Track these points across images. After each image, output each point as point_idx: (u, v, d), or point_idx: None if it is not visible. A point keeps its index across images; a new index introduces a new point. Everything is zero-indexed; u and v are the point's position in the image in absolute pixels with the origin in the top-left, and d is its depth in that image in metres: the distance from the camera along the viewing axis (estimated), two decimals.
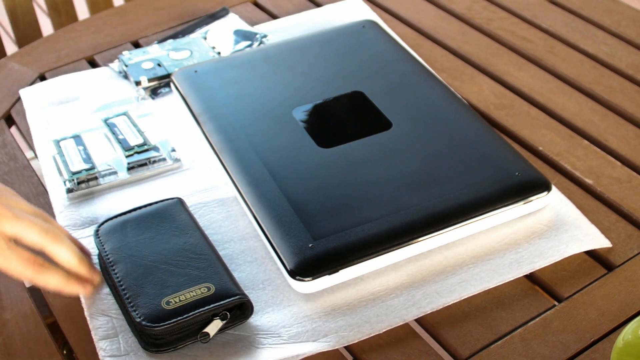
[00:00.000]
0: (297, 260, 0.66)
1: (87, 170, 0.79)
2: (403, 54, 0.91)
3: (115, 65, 0.96)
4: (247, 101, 0.83)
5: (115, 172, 0.80)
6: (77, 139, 0.84)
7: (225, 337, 0.65)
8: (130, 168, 0.80)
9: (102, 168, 0.80)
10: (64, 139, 0.84)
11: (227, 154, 0.77)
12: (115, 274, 0.67)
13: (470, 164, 0.74)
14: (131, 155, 0.81)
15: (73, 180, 0.79)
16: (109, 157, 0.82)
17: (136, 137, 0.83)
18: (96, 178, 0.79)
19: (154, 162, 0.81)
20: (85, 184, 0.79)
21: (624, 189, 0.79)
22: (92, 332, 0.65)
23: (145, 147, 0.82)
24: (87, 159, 0.81)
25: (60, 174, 0.80)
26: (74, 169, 0.79)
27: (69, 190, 0.78)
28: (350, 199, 0.71)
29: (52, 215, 0.77)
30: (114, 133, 0.84)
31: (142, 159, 0.81)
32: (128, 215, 0.72)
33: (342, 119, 0.83)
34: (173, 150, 0.82)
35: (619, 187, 0.79)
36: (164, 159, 0.81)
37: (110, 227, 0.71)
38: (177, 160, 0.82)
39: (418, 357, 0.64)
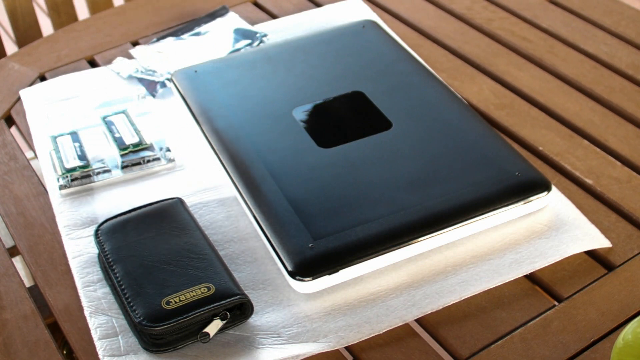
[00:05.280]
0: (297, 260, 0.66)
1: (81, 167, 0.79)
2: (403, 54, 0.91)
3: (116, 66, 0.96)
4: (247, 101, 0.83)
5: (109, 170, 0.80)
6: (74, 135, 0.84)
7: (225, 337, 0.65)
8: (124, 167, 0.80)
9: (96, 166, 0.80)
10: (61, 135, 0.84)
11: (227, 153, 0.77)
12: (115, 274, 0.67)
13: (470, 164, 0.74)
14: (126, 154, 0.81)
15: (67, 177, 0.79)
16: (104, 154, 0.82)
17: (132, 136, 0.83)
18: (89, 175, 0.79)
19: (148, 161, 0.81)
20: (78, 181, 0.79)
21: (624, 189, 0.79)
22: (92, 332, 0.65)
23: (141, 146, 0.82)
24: (82, 156, 0.81)
25: (55, 170, 0.80)
26: (68, 166, 0.80)
27: (62, 187, 0.78)
28: (350, 199, 0.71)
29: (53, 215, 0.77)
30: (111, 131, 0.84)
31: (136, 157, 0.81)
32: (128, 215, 0.72)
33: (342, 119, 0.83)
34: (168, 150, 0.82)
35: (619, 187, 0.79)
36: (158, 159, 0.81)
37: (110, 227, 0.71)
38: (171, 160, 0.82)
39: (418, 357, 0.64)
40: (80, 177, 0.79)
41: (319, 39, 0.94)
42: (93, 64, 1.00)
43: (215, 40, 0.99)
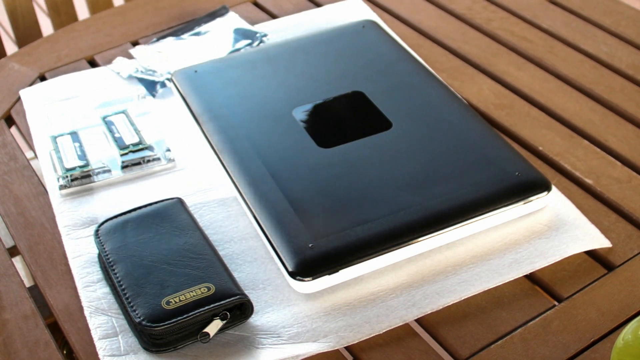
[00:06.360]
0: (297, 260, 0.66)
1: (81, 167, 0.79)
2: (403, 54, 0.91)
3: (116, 66, 0.96)
4: (247, 101, 0.83)
5: (109, 170, 0.80)
6: (74, 135, 0.84)
7: (225, 337, 0.65)
8: (124, 167, 0.80)
9: (97, 166, 0.80)
10: (61, 135, 0.84)
11: (227, 154, 0.77)
12: (115, 274, 0.67)
13: (470, 164, 0.74)
14: (126, 154, 0.81)
15: (67, 177, 0.79)
16: (104, 154, 0.82)
17: (132, 136, 0.83)
18: (90, 175, 0.79)
19: (148, 161, 0.81)
20: (78, 181, 0.79)
21: (624, 189, 0.79)
22: (92, 332, 0.65)
23: (141, 146, 0.82)
24: (82, 156, 0.81)
25: (55, 170, 0.80)
26: (68, 166, 0.80)
27: (62, 187, 0.78)
28: (350, 199, 0.71)
29: (53, 215, 0.77)
30: (111, 131, 0.84)
31: (136, 157, 0.81)
32: (128, 215, 0.72)
33: (342, 119, 0.83)
34: (168, 150, 0.82)
35: (619, 187, 0.79)
36: (158, 159, 0.81)
37: (110, 227, 0.71)
38: (171, 160, 0.82)
39: (418, 357, 0.64)
40: (80, 177, 0.79)
41: (319, 39, 0.94)
42: (93, 64, 1.00)
43: (215, 40, 0.99)
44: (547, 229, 0.73)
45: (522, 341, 0.65)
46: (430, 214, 0.70)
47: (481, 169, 0.74)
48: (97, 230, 0.71)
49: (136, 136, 0.83)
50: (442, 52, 1.00)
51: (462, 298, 0.68)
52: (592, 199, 0.78)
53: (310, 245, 0.67)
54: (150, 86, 0.92)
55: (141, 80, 0.93)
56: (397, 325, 0.66)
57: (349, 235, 0.68)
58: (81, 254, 0.72)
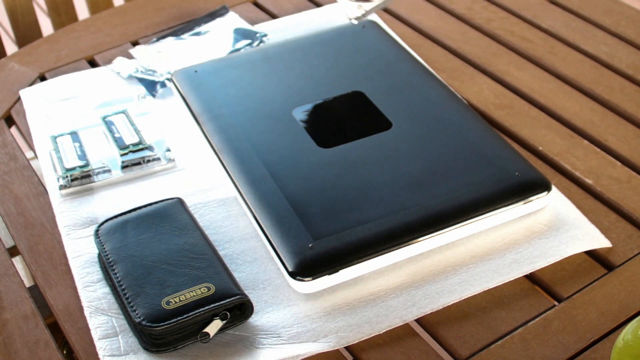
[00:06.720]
0: (297, 260, 0.66)
1: (81, 167, 0.79)
2: (403, 54, 0.91)
3: (116, 66, 0.96)
4: (247, 101, 0.84)
5: (109, 170, 0.80)
6: (74, 135, 0.84)
7: (225, 337, 0.65)
8: (124, 167, 0.80)
9: (97, 166, 0.80)
10: (61, 135, 0.84)
11: (227, 154, 0.77)
12: (115, 274, 0.67)
13: (470, 164, 0.74)
14: (126, 154, 0.81)
15: (67, 177, 0.79)
16: (104, 154, 0.82)
17: (132, 136, 0.83)
18: (90, 175, 0.79)
19: (148, 161, 0.81)
20: (78, 181, 0.79)
21: (624, 189, 0.79)
22: (92, 332, 0.65)
23: (141, 146, 0.82)
24: (82, 156, 0.81)
25: (55, 170, 0.80)
26: (68, 166, 0.80)
27: (62, 187, 0.78)
28: (350, 199, 0.71)
29: (53, 215, 0.77)
30: (111, 131, 0.84)
31: (136, 157, 0.81)
32: (128, 215, 0.72)
33: (342, 119, 0.83)
34: (168, 150, 0.82)
35: (619, 187, 0.79)
36: (158, 159, 0.81)
37: (110, 227, 0.71)
38: (171, 160, 0.82)
39: (418, 357, 0.64)
40: (80, 177, 0.79)
41: (319, 39, 0.94)
42: (93, 64, 1.00)
43: (215, 40, 0.99)
44: (547, 229, 0.73)
45: (522, 341, 0.65)
46: (430, 214, 0.70)
47: (481, 169, 0.74)
48: (97, 230, 0.71)
49: (136, 136, 0.83)
50: (442, 52, 1.00)
51: (462, 298, 0.68)
52: (592, 199, 0.78)
53: (310, 245, 0.67)
54: (150, 86, 0.92)
55: (141, 80, 0.93)
56: (397, 325, 0.66)
57: (349, 235, 0.68)
58: (81, 254, 0.72)
